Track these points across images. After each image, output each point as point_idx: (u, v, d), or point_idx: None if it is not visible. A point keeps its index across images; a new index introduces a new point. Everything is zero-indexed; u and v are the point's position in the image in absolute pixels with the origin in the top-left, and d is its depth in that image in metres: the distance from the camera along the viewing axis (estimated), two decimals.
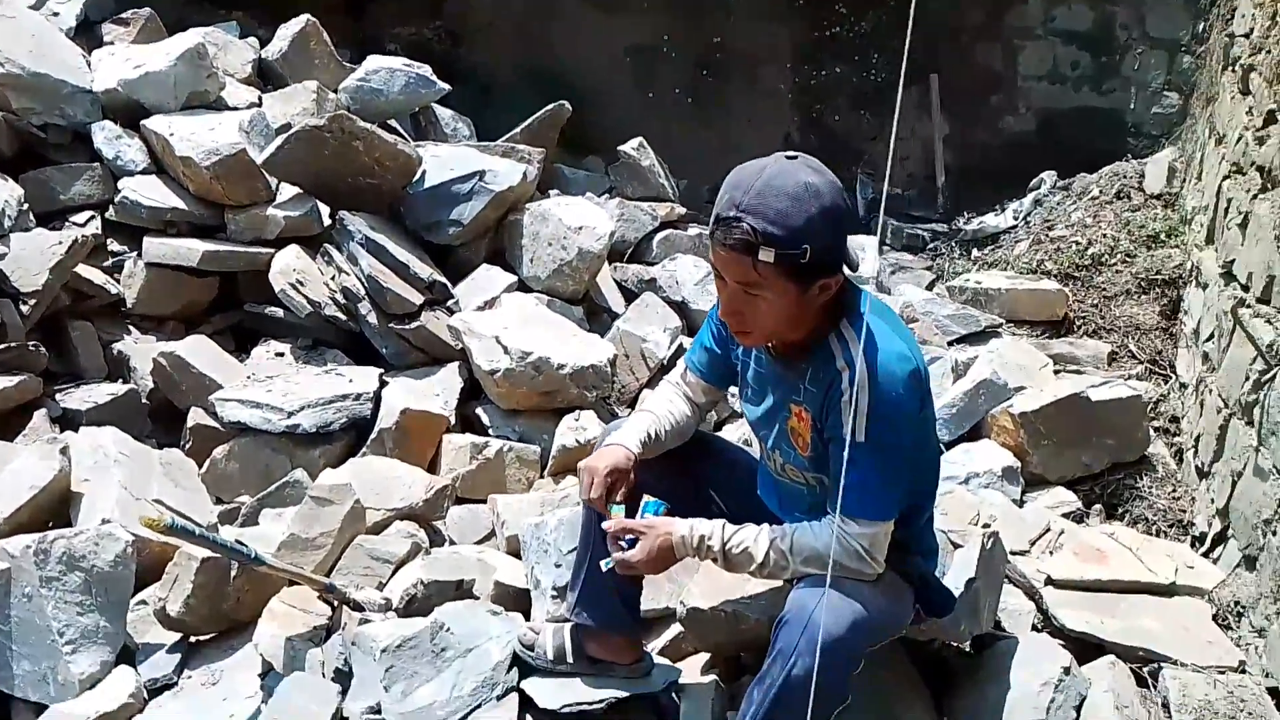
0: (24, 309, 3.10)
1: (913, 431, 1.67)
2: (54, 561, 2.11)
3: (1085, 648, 2.16)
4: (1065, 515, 2.71)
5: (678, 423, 1.95)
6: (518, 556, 2.54)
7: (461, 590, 2.33)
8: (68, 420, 3.03)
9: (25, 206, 3.32)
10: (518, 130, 4.43)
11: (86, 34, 4.02)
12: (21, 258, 3.15)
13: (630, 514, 1.79)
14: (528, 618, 2.29)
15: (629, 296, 4.00)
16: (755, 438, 1.93)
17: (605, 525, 1.74)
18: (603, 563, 1.77)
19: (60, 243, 3.20)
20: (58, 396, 3.09)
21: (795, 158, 1.61)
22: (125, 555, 2.17)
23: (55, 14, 3.97)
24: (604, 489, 1.78)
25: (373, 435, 3.02)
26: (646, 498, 1.80)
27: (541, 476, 3.14)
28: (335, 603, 2.26)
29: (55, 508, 2.51)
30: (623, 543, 1.73)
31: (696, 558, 1.76)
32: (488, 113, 5.00)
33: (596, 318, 3.89)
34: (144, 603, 2.32)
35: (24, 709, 2.11)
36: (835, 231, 1.59)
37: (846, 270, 1.66)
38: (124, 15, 4.17)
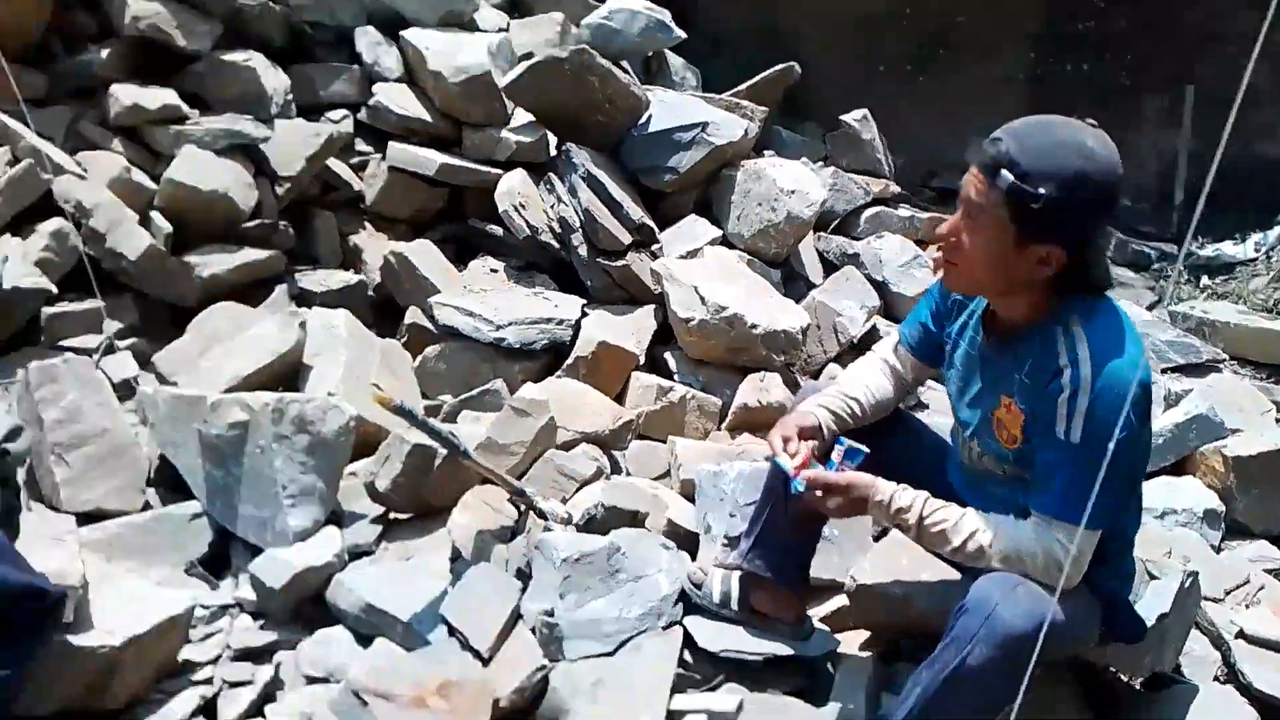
0: (279, 190, 3.38)
1: (1131, 445, 1.60)
2: (287, 421, 2.32)
3: (1270, 711, 2.05)
4: (1267, 571, 2.55)
5: (877, 400, 1.95)
6: (689, 499, 2.61)
7: (636, 520, 2.42)
8: (302, 299, 3.29)
9: (290, 97, 3.59)
10: (744, 86, 4.42)
11: None
12: (282, 144, 3.42)
13: (826, 456, 1.80)
14: (694, 560, 2.36)
15: (828, 268, 3.97)
16: (955, 421, 1.91)
17: (806, 475, 1.74)
18: (794, 483, 1.75)
19: (318, 135, 3.45)
20: (296, 276, 3.35)
21: (1095, 126, 1.58)
22: (347, 428, 2.37)
23: None
24: (797, 453, 1.78)
25: (569, 360, 3.15)
26: (848, 442, 1.80)
27: (718, 429, 3.19)
28: (522, 507, 2.40)
29: (287, 374, 2.76)
30: (816, 492, 1.74)
31: (887, 522, 1.77)
32: (714, 64, 5.01)
33: (793, 283, 3.88)
34: (353, 474, 2.53)
35: (241, 549, 2.34)
36: (1085, 208, 1.53)
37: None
38: None
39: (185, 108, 3.29)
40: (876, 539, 2.32)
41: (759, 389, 3.19)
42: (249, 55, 3.50)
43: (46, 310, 2.84)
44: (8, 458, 1.80)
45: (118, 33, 3.35)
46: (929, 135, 5.23)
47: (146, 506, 2.40)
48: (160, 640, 1.94)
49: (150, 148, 3.26)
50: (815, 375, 3.55)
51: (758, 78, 4.46)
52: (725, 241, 3.78)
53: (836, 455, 1.79)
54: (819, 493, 1.74)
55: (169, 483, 2.48)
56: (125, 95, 3.21)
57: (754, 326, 3.24)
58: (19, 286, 2.72)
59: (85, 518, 2.30)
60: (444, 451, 2.30)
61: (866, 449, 1.79)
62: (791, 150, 4.60)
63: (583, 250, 3.49)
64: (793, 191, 3.75)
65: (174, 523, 2.33)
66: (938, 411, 3.17)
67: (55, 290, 2.82)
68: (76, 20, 3.36)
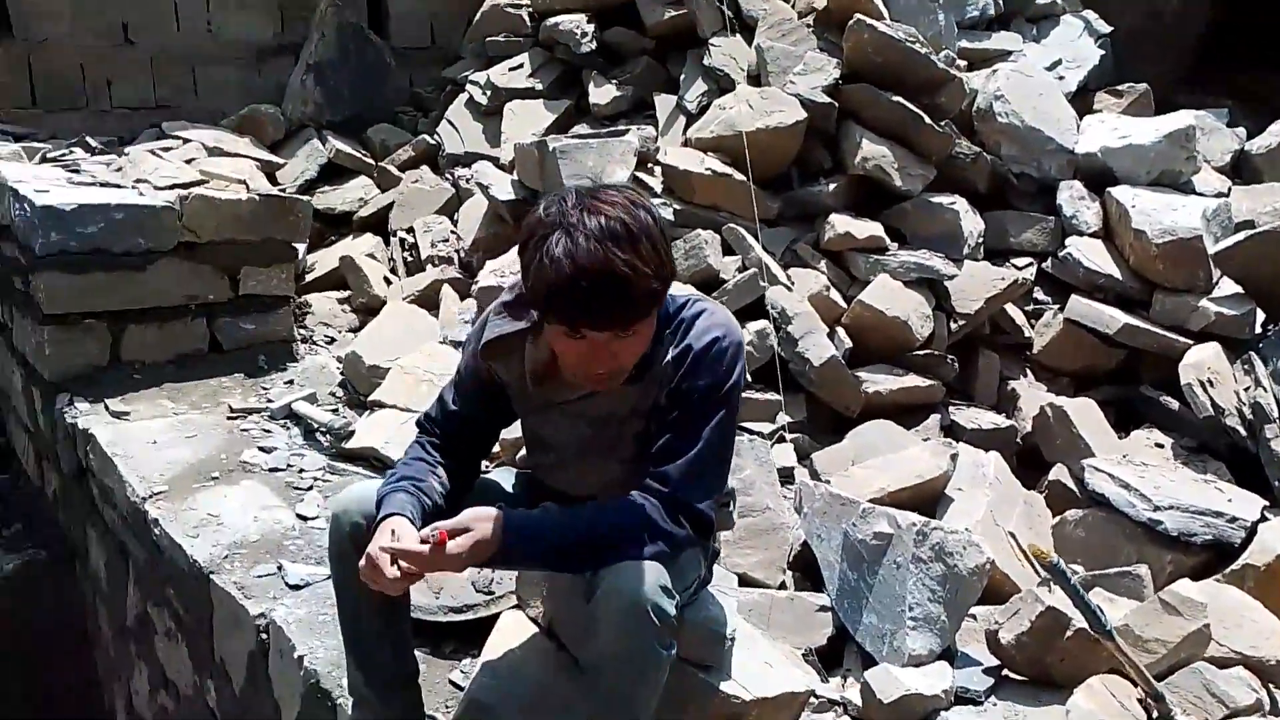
0: (952, 326, 3.56)
1: None
2: (928, 546, 2.39)
3: None
4: None
5: None
6: None
7: None
8: (950, 431, 3.40)
9: (981, 240, 3.76)
10: None
11: (1081, 99, 4.32)
12: (965, 283, 3.60)
13: None
14: None
15: None
16: None
17: None
18: None
19: (1001, 279, 3.58)
20: (950, 408, 3.47)
21: None
22: (983, 568, 2.37)
23: (1061, 78, 4.36)
24: None
25: (1234, 566, 2.74)
26: None
27: None
28: (1155, 714, 2.15)
29: (927, 500, 2.86)
30: None
31: None
32: None
33: None
34: (972, 617, 2.51)
35: (855, 653, 2.47)
36: None
37: None
38: (1119, 87, 4.38)
39: (887, 240, 3.65)
40: None
41: None
42: (954, 199, 3.76)
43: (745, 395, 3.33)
44: (730, 508, 2.13)
45: (845, 170, 3.84)
46: None
47: (782, 586, 2.67)
48: (778, 710, 2.13)
49: (849, 271, 3.67)
50: None
51: None
52: None
53: None
54: None
55: (805, 569, 2.72)
56: (840, 224, 3.67)
57: None
58: None
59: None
60: (1079, 624, 2.17)
61: None
62: None
63: (1276, 444, 3.05)
64: None
65: (804, 609, 2.54)
66: None
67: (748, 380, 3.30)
68: (815, 156, 3.93)
